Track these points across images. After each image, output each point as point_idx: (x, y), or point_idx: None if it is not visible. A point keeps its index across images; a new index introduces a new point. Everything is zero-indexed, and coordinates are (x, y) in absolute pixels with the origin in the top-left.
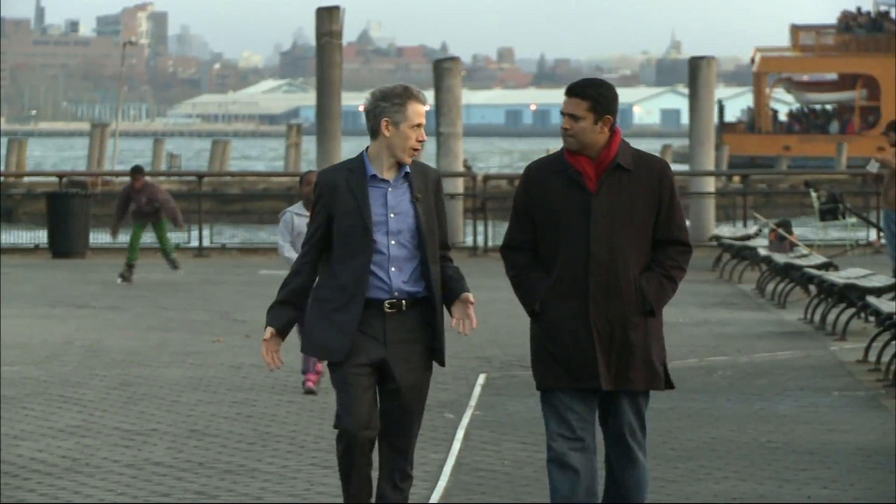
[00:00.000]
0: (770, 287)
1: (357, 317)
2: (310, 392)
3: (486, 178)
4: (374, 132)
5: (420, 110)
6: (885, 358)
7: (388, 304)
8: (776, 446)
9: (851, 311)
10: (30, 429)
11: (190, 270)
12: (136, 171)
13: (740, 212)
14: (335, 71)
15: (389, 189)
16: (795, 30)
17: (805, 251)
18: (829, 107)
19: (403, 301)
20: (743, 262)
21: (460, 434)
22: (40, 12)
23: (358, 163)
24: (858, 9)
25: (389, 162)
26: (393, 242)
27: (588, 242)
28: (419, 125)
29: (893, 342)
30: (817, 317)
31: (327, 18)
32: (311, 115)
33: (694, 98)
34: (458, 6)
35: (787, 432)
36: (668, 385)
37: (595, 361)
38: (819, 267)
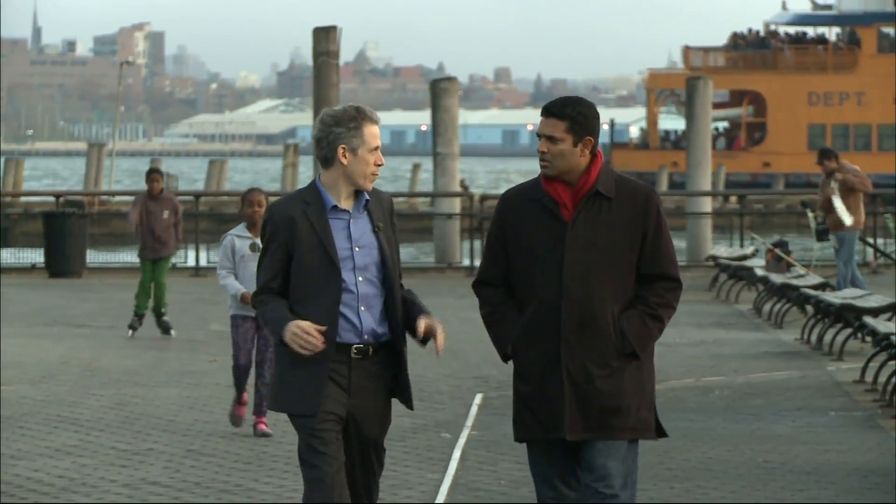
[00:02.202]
0: (767, 307)
1: (327, 365)
2: (263, 435)
3: (483, 197)
4: (329, 161)
5: (375, 132)
6: (882, 378)
7: (356, 349)
8: (773, 466)
9: (848, 331)
10: (26, 448)
11: (187, 290)
12: (154, 172)
13: (737, 232)
14: (332, 91)
15: (351, 220)
16: (687, 50)
17: (802, 271)
18: (721, 125)
19: (370, 346)
20: (740, 282)
21: (457, 454)
22: (37, 32)
23: (313, 193)
24: (750, 29)
25: (347, 191)
26: (360, 279)
27: (561, 278)
28: (376, 148)
29: (890, 362)
30: (814, 337)
31: (324, 38)
32: (308, 134)
33: (690, 119)
34: (455, 26)
35: (783, 452)
36: (661, 433)
37: (562, 409)
38: (816, 287)
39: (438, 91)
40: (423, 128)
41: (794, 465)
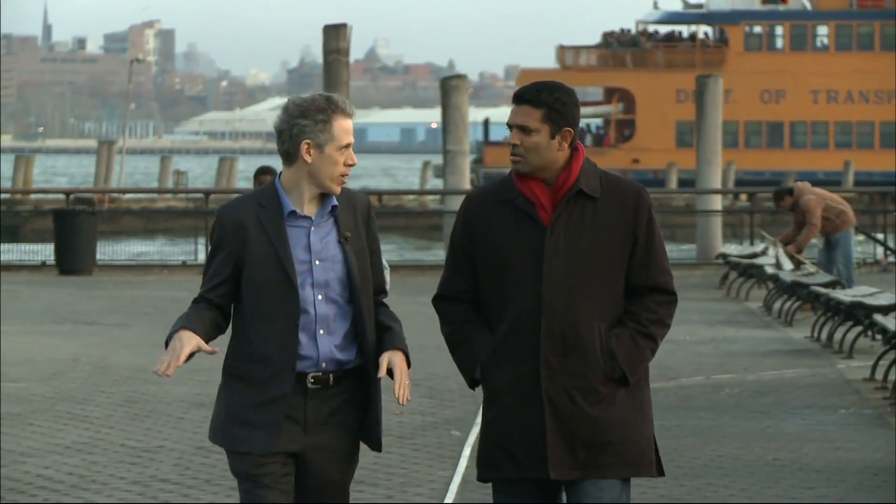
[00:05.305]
0: (777, 305)
1: (286, 397)
2: None
3: None
4: (291, 157)
5: (348, 126)
6: (892, 376)
7: (313, 377)
8: (783, 464)
9: (858, 329)
10: (36, 446)
11: (196, 288)
12: (266, 172)
13: (747, 230)
14: (342, 89)
15: (312, 228)
16: (561, 50)
17: (812, 269)
18: (594, 122)
19: (331, 374)
20: (750, 279)
21: (467, 451)
22: (48, 29)
23: (270, 196)
24: (622, 29)
25: (311, 193)
26: (320, 297)
27: (540, 290)
28: (348, 145)
29: None
30: (824, 335)
31: (334, 36)
32: None
33: (701, 116)
34: (466, 24)
35: (793, 450)
36: (660, 471)
37: (543, 443)
38: (826, 285)
39: (449, 89)
40: (434, 125)
41: (803, 462)
